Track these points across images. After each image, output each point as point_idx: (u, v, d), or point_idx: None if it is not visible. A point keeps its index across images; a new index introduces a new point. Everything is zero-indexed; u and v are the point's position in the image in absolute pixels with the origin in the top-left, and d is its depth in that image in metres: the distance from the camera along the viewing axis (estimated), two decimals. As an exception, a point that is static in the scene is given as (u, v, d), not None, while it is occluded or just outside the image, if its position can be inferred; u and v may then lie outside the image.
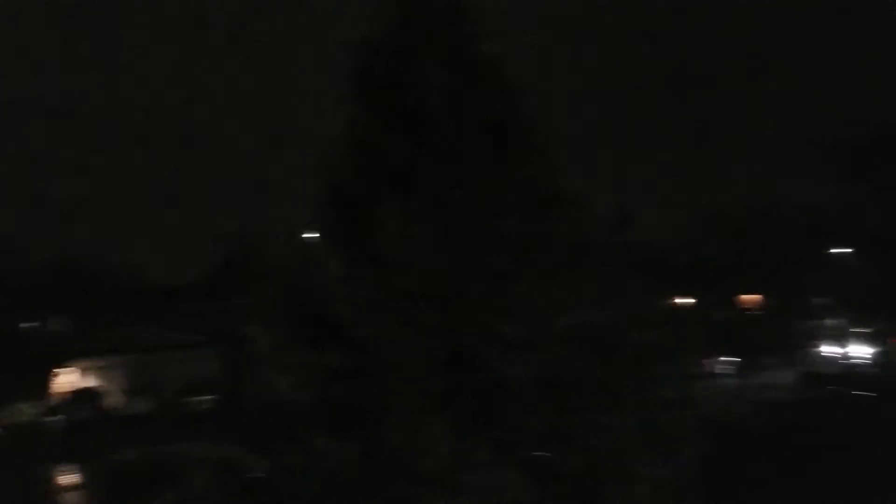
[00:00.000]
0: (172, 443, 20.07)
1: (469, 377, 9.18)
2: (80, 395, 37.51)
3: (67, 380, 40.44)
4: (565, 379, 9.14)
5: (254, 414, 10.89)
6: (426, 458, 8.87)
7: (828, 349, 41.96)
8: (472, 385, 9.19)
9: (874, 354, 40.08)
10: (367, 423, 9.16)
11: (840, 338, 42.40)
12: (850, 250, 44.56)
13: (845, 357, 40.81)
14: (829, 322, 44.39)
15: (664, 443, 9.87)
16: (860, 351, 40.58)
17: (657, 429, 9.84)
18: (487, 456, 8.97)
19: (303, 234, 15.88)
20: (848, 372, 37.02)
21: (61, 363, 40.28)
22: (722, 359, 37.07)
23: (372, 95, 10.77)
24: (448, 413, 9.04)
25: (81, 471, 25.43)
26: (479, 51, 10.79)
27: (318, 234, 13.93)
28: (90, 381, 40.11)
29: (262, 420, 10.52)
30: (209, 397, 34.90)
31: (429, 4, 10.69)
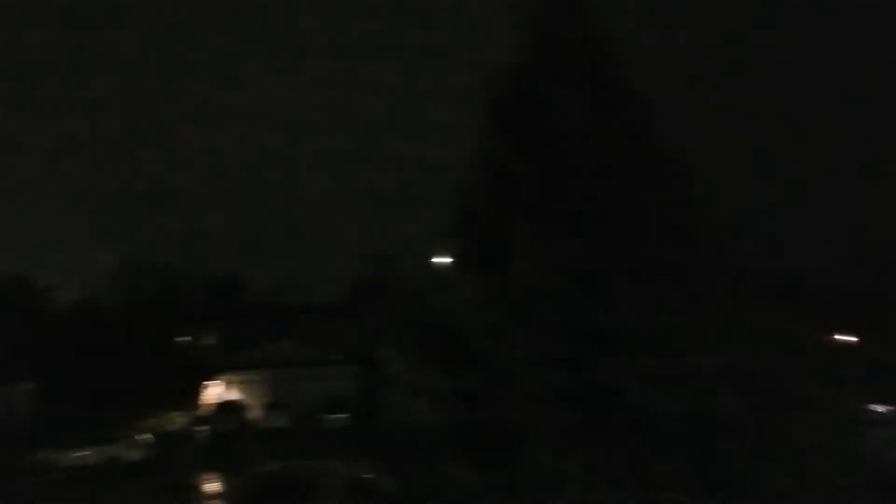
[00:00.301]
0: (308, 458, 20.71)
1: (607, 413, 8.78)
2: (225, 408, 39.60)
3: (214, 392, 42.96)
4: (712, 420, 8.54)
5: (387, 435, 11.02)
6: (559, 495, 8.57)
7: None
8: (611, 421, 8.77)
9: None
10: (500, 453, 8.97)
11: None
12: None
13: None
14: None
15: (818, 493, 9.01)
16: None
17: (811, 478, 9.00)
18: (624, 497, 8.53)
19: (436, 258, 16.05)
20: None
21: (209, 376, 42.88)
22: (891, 406, 33.43)
23: (507, 124, 10.75)
24: (584, 449, 8.69)
25: (223, 480, 26.80)
26: (616, 78, 10.52)
27: (451, 259, 14.01)
28: (234, 394, 42.40)
29: (396, 442, 10.61)
30: (344, 415, 35.83)
31: (563, 35, 10.57)
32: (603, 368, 9.00)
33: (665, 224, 9.77)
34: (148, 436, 32.44)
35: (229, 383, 42.94)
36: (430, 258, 16.25)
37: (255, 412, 40.14)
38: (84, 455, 29.20)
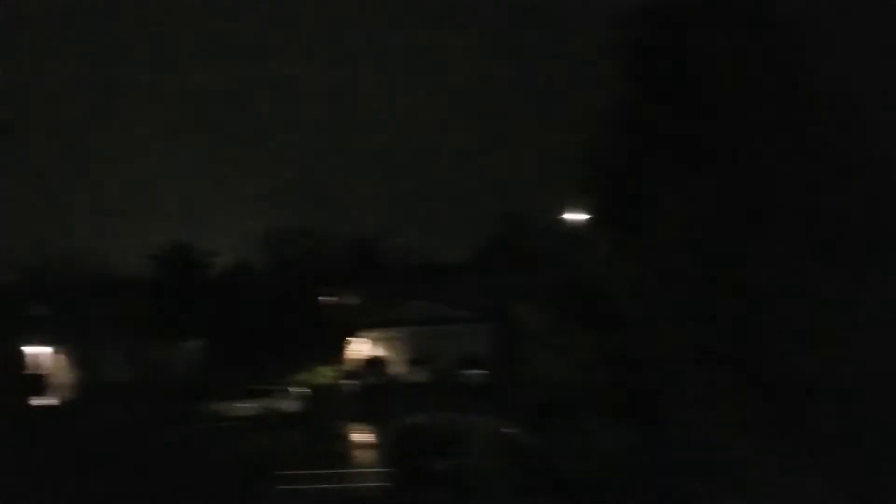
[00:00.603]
0: (449, 412, 21.39)
1: (761, 371, 8.37)
2: (370, 363, 41.56)
3: (359, 348, 45.10)
4: (881, 379, 7.93)
5: (528, 392, 11.13)
6: (710, 454, 8.32)
7: None
8: (766, 380, 8.36)
9: None
10: (646, 411, 8.83)
11: None
12: None
13: None
14: None
15: None
16: None
17: None
18: (783, 456, 8.14)
19: (571, 213, 15.77)
20: None
21: (354, 333, 45.01)
22: None
23: (643, 68, 10.23)
24: (737, 408, 8.36)
25: (371, 430, 28.26)
26: (765, 14, 9.70)
27: (586, 214, 13.73)
28: (378, 351, 44.32)
29: (537, 398, 10.70)
30: (481, 371, 36.62)
31: None
32: (752, 325, 8.57)
33: (820, 167, 9.04)
34: (302, 389, 34.64)
35: (373, 340, 44.88)
36: (565, 213, 15.99)
37: (398, 367, 41.82)
38: (247, 406, 31.70)
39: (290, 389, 33.77)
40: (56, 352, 46.62)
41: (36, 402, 38.12)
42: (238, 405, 31.90)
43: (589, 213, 12.94)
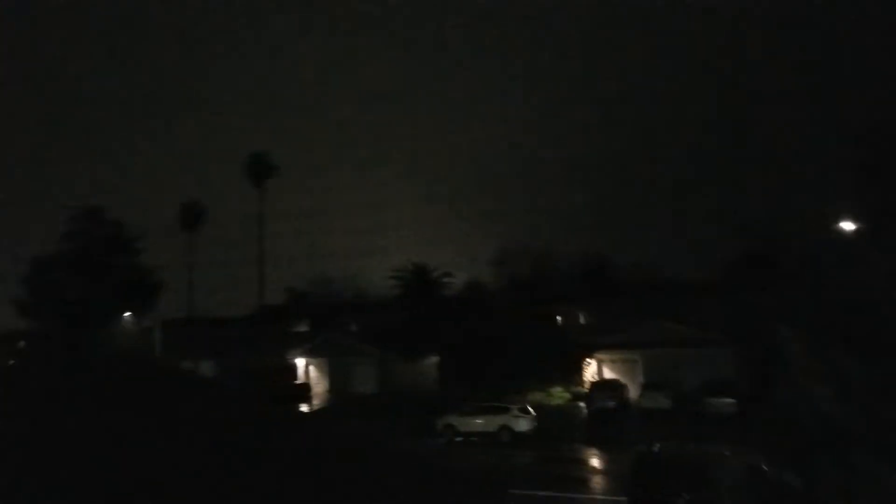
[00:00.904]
0: (693, 441, 19.90)
1: None
2: (603, 385, 40.26)
3: (591, 370, 44.13)
4: None
5: (787, 424, 9.93)
6: None
7: None
8: None
9: None
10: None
11: None
12: None
13: None
14: None
15: None
16: None
17: None
18: None
19: (838, 223, 14.17)
20: None
21: (588, 354, 44.16)
22: None
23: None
24: None
25: (604, 456, 27.28)
26: None
27: (857, 224, 12.43)
28: (613, 373, 42.99)
29: (797, 431, 9.48)
30: (728, 400, 33.76)
31: None
32: None
33: None
34: (535, 408, 34.58)
35: (605, 362, 43.66)
36: (830, 224, 14.48)
37: (633, 392, 40.04)
38: (481, 422, 32.34)
39: (524, 408, 33.88)
40: (314, 364, 51.95)
41: (300, 407, 42.46)
42: (473, 420, 32.64)
43: (862, 224, 11.46)
